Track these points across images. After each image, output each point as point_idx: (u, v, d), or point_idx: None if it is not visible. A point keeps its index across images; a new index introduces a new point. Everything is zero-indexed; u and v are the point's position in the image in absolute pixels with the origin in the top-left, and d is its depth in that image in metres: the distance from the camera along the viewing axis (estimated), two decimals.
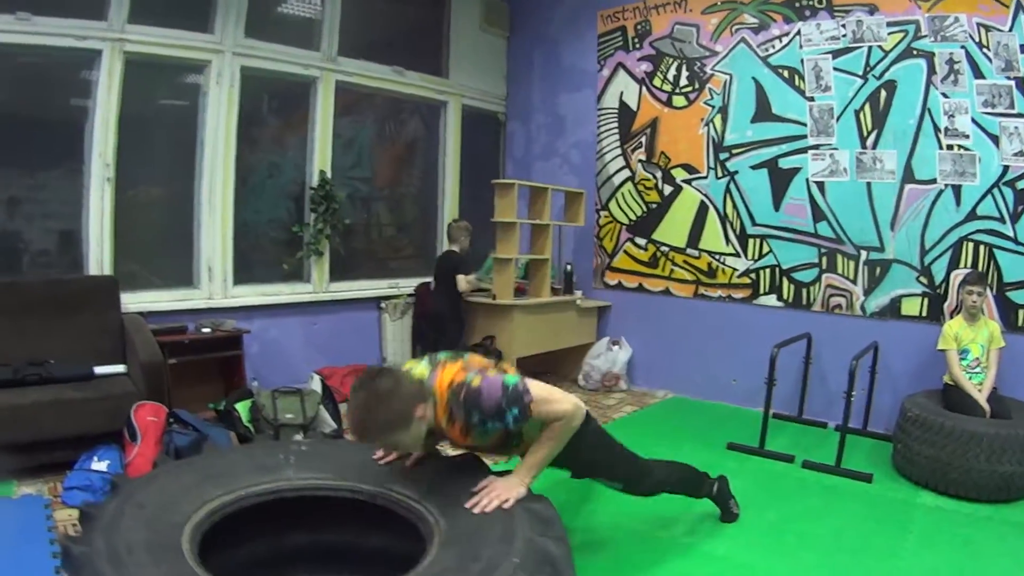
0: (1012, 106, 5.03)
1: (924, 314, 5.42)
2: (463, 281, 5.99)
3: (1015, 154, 5.03)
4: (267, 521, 2.47)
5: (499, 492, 2.38)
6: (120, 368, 4.57)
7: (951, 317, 5.13)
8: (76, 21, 4.86)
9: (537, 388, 2.58)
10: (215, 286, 5.67)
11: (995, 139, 5.09)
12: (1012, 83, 5.01)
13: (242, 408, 4.70)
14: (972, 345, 4.79)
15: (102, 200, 5.04)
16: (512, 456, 2.93)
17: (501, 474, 2.56)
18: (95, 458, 3.97)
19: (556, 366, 7.31)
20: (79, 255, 5.09)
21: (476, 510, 2.29)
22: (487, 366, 2.68)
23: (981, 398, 4.58)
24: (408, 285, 6.90)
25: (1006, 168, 5.07)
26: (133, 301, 5.15)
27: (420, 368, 2.63)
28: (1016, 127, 5.02)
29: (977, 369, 4.77)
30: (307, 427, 4.62)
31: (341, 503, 2.47)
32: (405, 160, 7.47)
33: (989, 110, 5.11)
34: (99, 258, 5.06)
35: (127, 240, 5.28)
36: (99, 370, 4.46)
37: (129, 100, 5.13)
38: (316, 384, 5.07)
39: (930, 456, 4.33)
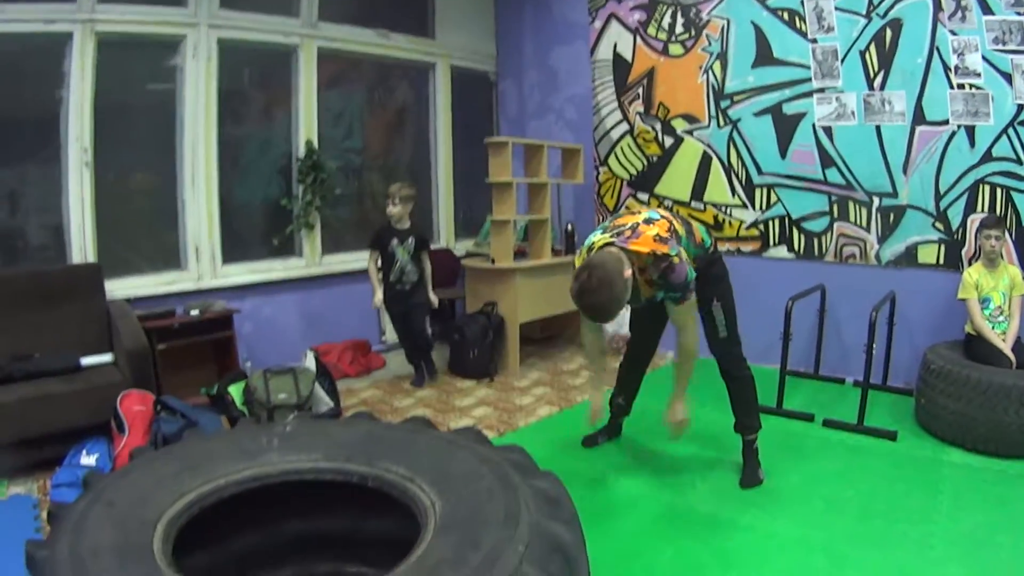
0: None
1: (941, 261, 5.20)
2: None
3: None
4: (252, 511, 2.28)
5: (679, 417, 3.51)
6: (107, 358, 4.40)
7: (970, 264, 4.92)
8: (44, 5, 4.66)
9: (694, 308, 3.44)
10: (203, 266, 5.48)
11: (1008, 77, 4.83)
12: (1023, 19, 4.75)
13: (235, 391, 4.53)
14: (993, 293, 4.58)
15: (81, 186, 4.87)
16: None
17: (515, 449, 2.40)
18: (84, 452, 3.81)
19: (562, 329, 7.12)
20: (61, 244, 4.91)
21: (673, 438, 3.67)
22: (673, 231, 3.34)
23: (1006, 348, 4.38)
24: None
25: (1020, 107, 4.81)
26: (120, 288, 5.01)
27: (600, 237, 3.26)
28: None
29: (1000, 318, 4.56)
30: (302, 407, 4.45)
31: (330, 486, 2.27)
32: (396, 127, 7.24)
33: (1000, 47, 4.84)
34: (82, 245, 4.89)
35: (110, 225, 5.11)
36: (86, 361, 4.29)
37: (104, 82, 4.95)
38: (310, 361, 4.88)
39: (956, 411, 4.14)
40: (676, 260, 3.15)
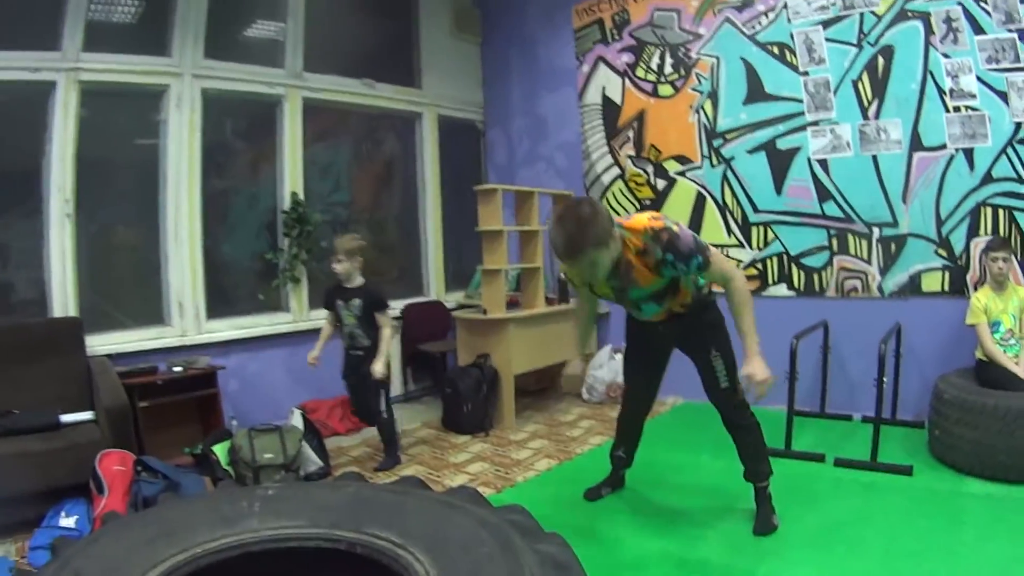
0: (1017, 59, 4.72)
1: (946, 288, 5.07)
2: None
3: None
4: None
5: (761, 376, 3.10)
6: (88, 415, 4.22)
7: (975, 288, 4.81)
8: (28, 53, 4.63)
9: (721, 256, 3.24)
10: (187, 322, 5.33)
11: (1003, 96, 4.78)
12: (1015, 35, 4.70)
13: (220, 451, 4.36)
14: (1003, 316, 4.45)
15: (63, 238, 4.76)
16: (664, 306, 3.35)
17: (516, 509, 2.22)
18: (63, 513, 3.66)
19: (557, 380, 6.92)
20: (42, 297, 4.78)
21: (757, 399, 3.21)
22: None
23: (1020, 370, 4.25)
24: (394, 308, 6.55)
25: (1018, 125, 4.75)
26: (102, 343, 4.88)
27: None
28: None
29: (1011, 341, 4.43)
30: (289, 467, 4.26)
31: (315, 554, 2.09)
32: (384, 179, 7.17)
33: (994, 66, 4.79)
34: (63, 299, 4.76)
35: (92, 279, 5.03)
36: (66, 418, 4.10)
37: (87, 132, 4.88)
38: (297, 419, 4.71)
39: (973, 440, 3.98)
40: (676, 228, 3.04)
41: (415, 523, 2.08)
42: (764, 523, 3.51)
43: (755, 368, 3.12)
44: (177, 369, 4.89)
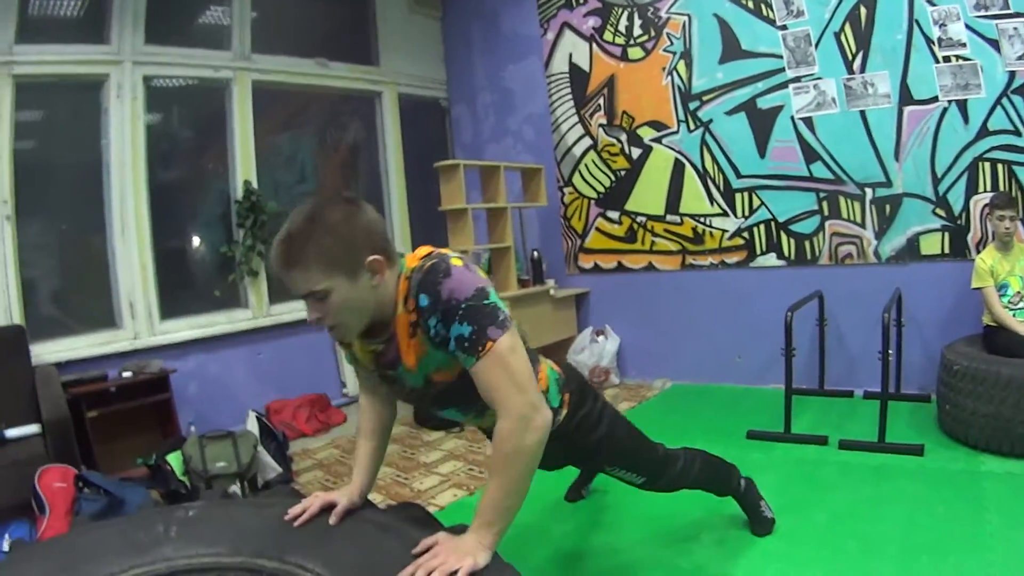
0: (1007, 6, 4.40)
1: (946, 251, 4.76)
2: None
3: (1019, 58, 4.40)
4: None
5: (444, 560, 1.55)
6: (34, 428, 3.90)
7: (978, 250, 4.50)
8: None
9: (517, 355, 1.70)
10: (140, 324, 4.97)
11: (995, 44, 4.46)
12: None
13: (175, 460, 3.99)
14: (1011, 278, 4.15)
15: (3, 241, 4.43)
16: (474, 416, 2.12)
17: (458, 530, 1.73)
18: (6, 536, 3.36)
19: None
20: None
21: None
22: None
23: None
24: None
25: (1012, 74, 4.44)
26: (50, 351, 4.55)
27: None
28: (1016, 28, 4.39)
29: (1021, 304, 4.12)
30: (244, 475, 3.90)
31: None
32: (350, 165, 6.84)
33: (983, 13, 4.48)
34: (6, 306, 4.41)
35: (36, 283, 4.73)
36: (11, 433, 3.81)
37: (24, 128, 4.59)
38: (252, 423, 4.35)
39: (988, 413, 3.66)
40: (455, 261, 1.75)
41: (344, 551, 1.75)
42: (757, 519, 3.10)
43: (449, 549, 1.61)
44: (127, 375, 4.55)
